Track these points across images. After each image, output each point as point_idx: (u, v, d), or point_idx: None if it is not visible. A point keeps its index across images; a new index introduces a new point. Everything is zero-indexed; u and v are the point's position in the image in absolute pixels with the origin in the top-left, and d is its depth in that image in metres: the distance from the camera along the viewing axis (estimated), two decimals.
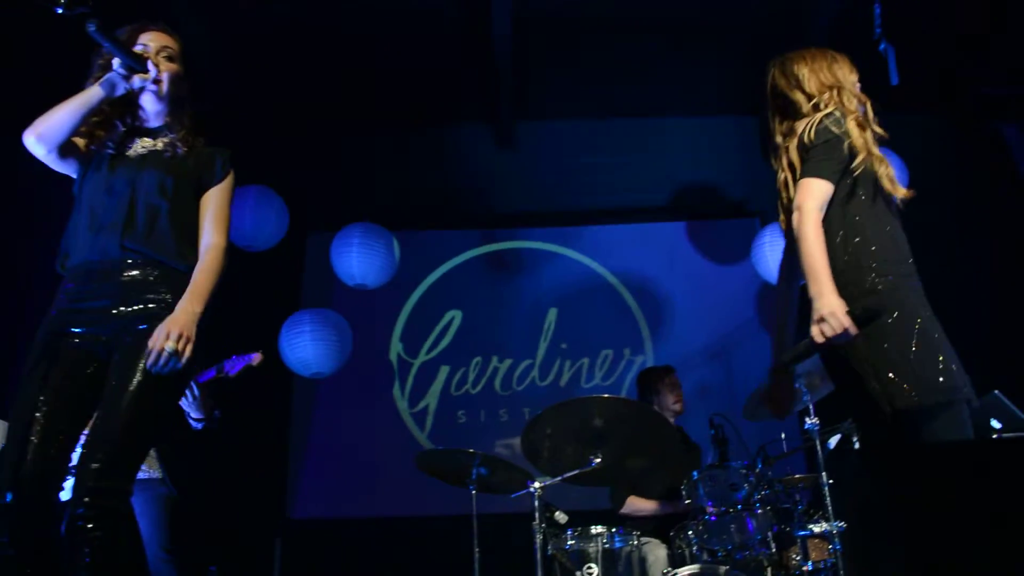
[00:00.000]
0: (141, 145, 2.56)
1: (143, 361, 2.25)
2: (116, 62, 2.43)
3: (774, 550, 3.67)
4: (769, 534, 3.67)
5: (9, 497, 2.13)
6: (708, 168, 6.44)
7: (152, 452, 3.59)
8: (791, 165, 2.68)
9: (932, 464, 2.37)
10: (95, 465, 2.14)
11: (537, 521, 3.49)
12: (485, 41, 5.24)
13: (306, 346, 5.36)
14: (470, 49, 5.42)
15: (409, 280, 6.47)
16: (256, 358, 3.82)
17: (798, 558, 3.61)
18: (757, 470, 3.75)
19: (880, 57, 3.73)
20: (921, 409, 2.30)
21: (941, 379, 2.30)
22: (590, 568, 3.66)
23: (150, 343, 2.25)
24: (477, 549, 3.69)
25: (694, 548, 3.81)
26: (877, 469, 2.45)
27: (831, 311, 2.32)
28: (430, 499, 5.39)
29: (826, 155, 2.55)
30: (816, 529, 3.50)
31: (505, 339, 6.42)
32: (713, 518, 3.72)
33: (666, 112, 6.16)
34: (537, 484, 3.54)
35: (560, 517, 3.65)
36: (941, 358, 2.33)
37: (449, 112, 6.10)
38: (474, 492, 3.82)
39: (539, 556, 3.42)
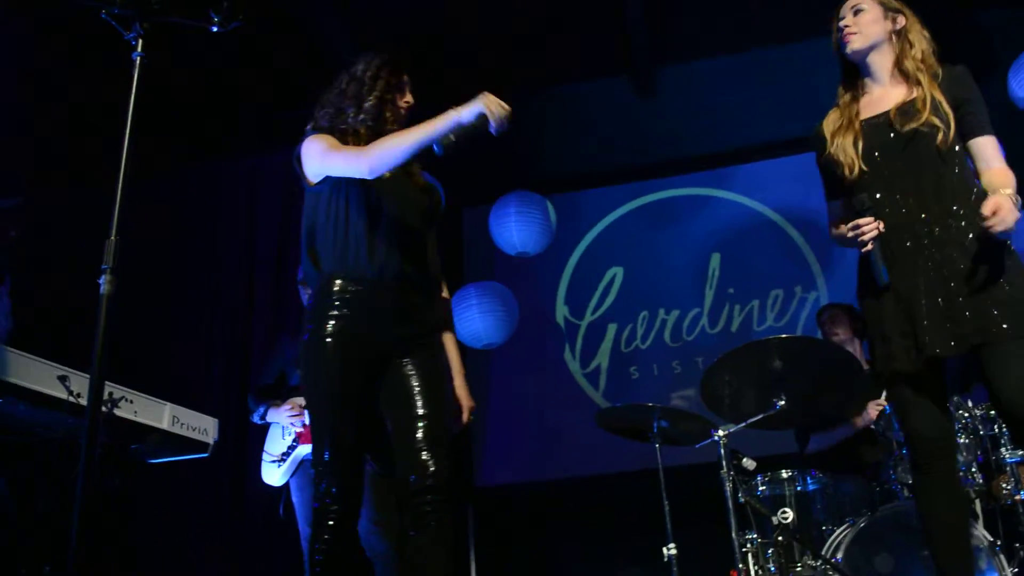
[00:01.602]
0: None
1: (435, 378, 2.59)
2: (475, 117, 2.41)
3: (981, 480, 3.48)
4: (974, 464, 3.48)
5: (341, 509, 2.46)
6: None
7: None
8: None
9: None
10: (433, 464, 2.45)
11: (725, 469, 3.44)
12: None
13: (475, 319, 5.49)
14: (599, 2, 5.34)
15: (566, 242, 6.50)
16: None
17: (1009, 487, 3.41)
18: (955, 398, 3.56)
19: None
20: None
21: None
22: (785, 513, 3.58)
23: (461, 401, 2.73)
24: (667, 502, 3.68)
25: (892, 484, 3.66)
26: None
27: None
28: (613, 456, 5.42)
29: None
30: None
31: (670, 290, 6.34)
32: None
33: (809, 34, 5.83)
34: (721, 432, 3.49)
35: (748, 463, 3.58)
36: None
37: (585, 69, 6.02)
38: (657, 446, 3.81)
39: (731, 504, 3.37)
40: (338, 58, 5.24)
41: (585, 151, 6.41)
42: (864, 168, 2.56)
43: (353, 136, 2.65)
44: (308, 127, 2.71)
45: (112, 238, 1.88)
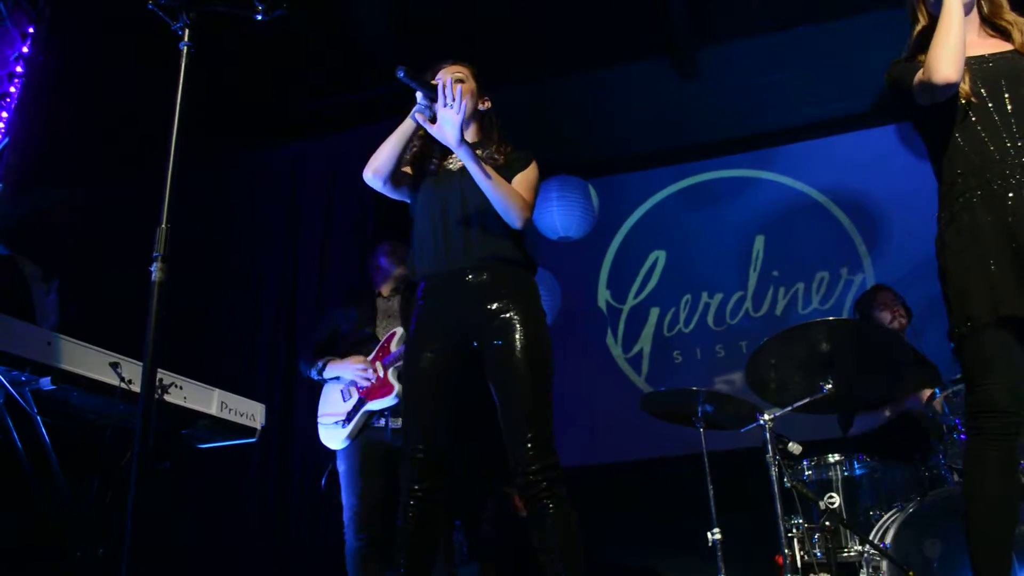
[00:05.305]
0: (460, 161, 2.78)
1: (518, 351, 2.59)
2: (419, 95, 2.68)
3: None
4: None
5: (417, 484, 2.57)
6: None
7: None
8: None
9: None
10: (529, 448, 2.58)
11: (770, 454, 3.41)
12: None
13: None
14: None
15: (608, 226, 6.47)
16: None
17: None
18: None
19: None
20: None
21: None
22: (831, 497, 3.56)
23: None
24: (711, 486, 3.67)
25: (942, 470, 3.60)
26: None
27: None
28: (656, 441, 5.40)
29: None
30: None
31: (713, 273, 6.29)
32: (963, 436, 3.50)
33: (855, 10, 5.73)
34: (767, 416, 3.46)
35: (794, 448, 3.54)
36: None
37: (626, 51, 5.96)
38: (702, 430, 3.79)
39: (776, 489, 3.35)
40: (373, 43, 5.26)
41: (626, 134, 6.36)
42: (973, 100, 2.47)
43: None
44: None
45: (163, 226, 1.91)
